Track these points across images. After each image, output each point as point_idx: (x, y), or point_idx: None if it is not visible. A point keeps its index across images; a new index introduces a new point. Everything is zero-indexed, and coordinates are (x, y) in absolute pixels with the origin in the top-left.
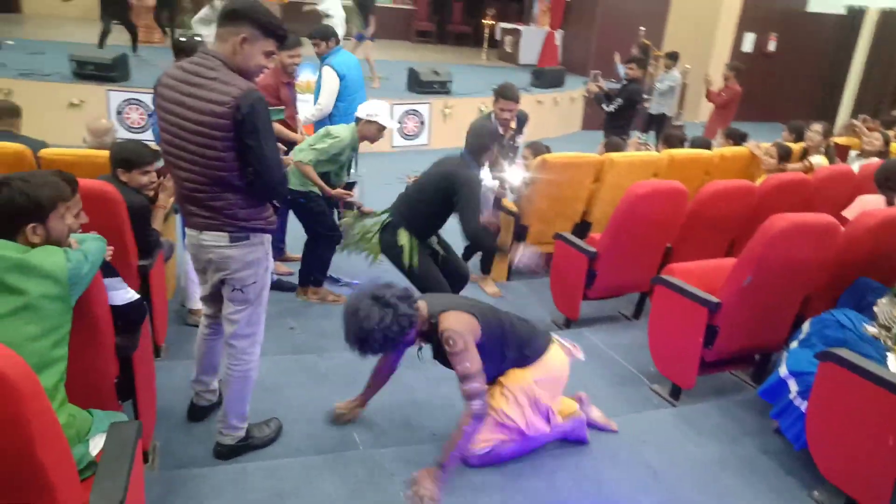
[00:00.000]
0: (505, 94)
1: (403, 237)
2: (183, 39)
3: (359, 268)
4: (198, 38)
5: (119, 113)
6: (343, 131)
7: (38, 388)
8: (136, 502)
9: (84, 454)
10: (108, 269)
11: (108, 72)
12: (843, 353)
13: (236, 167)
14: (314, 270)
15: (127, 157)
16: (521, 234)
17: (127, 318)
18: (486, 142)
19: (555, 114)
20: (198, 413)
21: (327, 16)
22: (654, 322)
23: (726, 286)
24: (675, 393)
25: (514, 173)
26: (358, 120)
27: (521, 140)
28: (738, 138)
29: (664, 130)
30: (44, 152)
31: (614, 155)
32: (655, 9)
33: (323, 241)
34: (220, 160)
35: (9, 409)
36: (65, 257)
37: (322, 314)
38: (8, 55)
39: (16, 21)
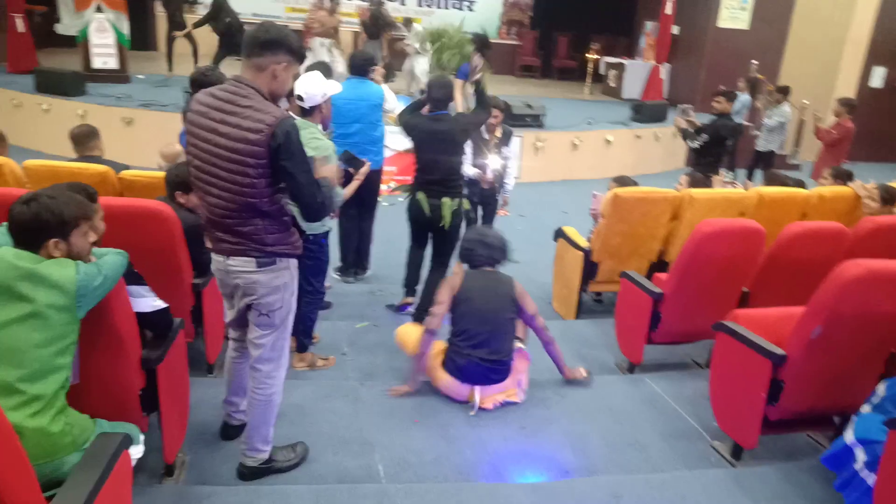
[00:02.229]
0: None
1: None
2: (207, 75)
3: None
4: (215, 70)
5: None
6: (320, 140)
7: None
8: None
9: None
10: (133, 277)
11: None
12: None
13: (267, 193)
14: (298, 333)
15: (186, 180)
16: (591, 271)
17: (154, 326)
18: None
19: (656, 149)
20: (229, 432)
21: (419, 53)
22: (716, 372)
23: (793, 338)
24: (737, 453)
25: (495, 160)
26: (315, 109)
27: (508, 152)
28: (844, 178)
29: (772, 168)
30: (124, 174)
31: (694, 191)
32: (771, 41)
33: (307, 299)
34: (252, 186)
35: None
36: (75, 269)
37: (377, 342)
38: (136, 88)
39: (150, 58)
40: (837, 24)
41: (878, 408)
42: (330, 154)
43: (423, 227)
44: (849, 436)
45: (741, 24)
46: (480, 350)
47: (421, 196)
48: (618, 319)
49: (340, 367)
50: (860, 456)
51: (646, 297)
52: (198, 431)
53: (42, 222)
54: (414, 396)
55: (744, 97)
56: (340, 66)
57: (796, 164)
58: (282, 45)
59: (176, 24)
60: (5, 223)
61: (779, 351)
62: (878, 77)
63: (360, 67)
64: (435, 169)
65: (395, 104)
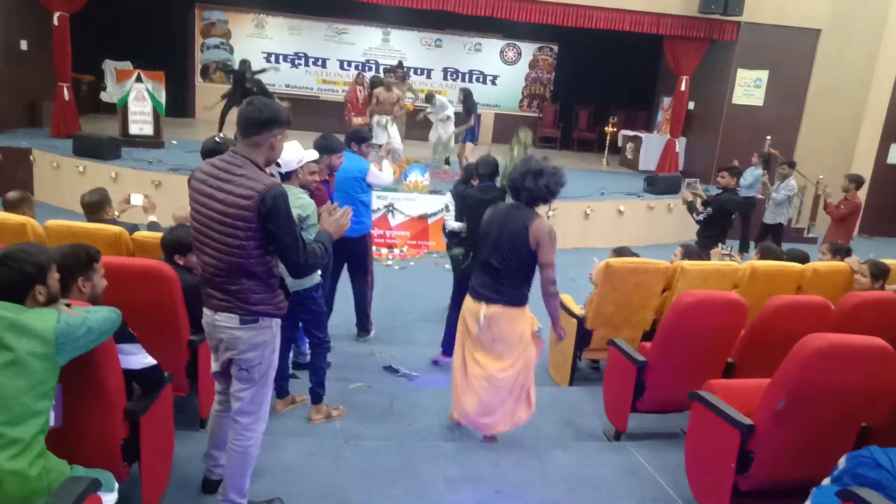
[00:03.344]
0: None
1: None
2: (219, 143)
3: (420, 362)
4: (225, 139)
5: None
6: (302, 199)
7: None
8: None
9: None
10: (125, 335)
11: None
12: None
13: (255, 255)
14: (313, 385)
15: (182, 242)
16: (585, 338)
17: (144, 382)
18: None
19: (669, 220)
20: (210, 486)
21: (448, 118)
22: (691, 441)
23: (760, 408)
24: None
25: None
26: (291, 175)
27: None
28: (843, 253)
29: (780, 241)
30: (136, 234)
31: (686, 263)
32: (786, 117)
33: (315, 351)
34: (241, 248)
35: None
36: (56, 319)
37: (369, 403)
38: (168, 153)
39: (187, 125)
40: (854, 101)
41: (836, 479)
42: (311, 213)
43: None
44: None
45: (756, 100)
46: (489, 268)
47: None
48: (605, 387)
49: (329, 426)
50: None
51: (630, 365)
52: (181, 485)
53: (25, 274)
54: (395, 457)
55: (757, 172)
56: (397, 142)
57: (813, 237)
58: (275, 121)
59: (237, 100)
60: None
61: (747, 421)
62: (895, 154)
63: (346, 141)
64: None
65: (384, 178)
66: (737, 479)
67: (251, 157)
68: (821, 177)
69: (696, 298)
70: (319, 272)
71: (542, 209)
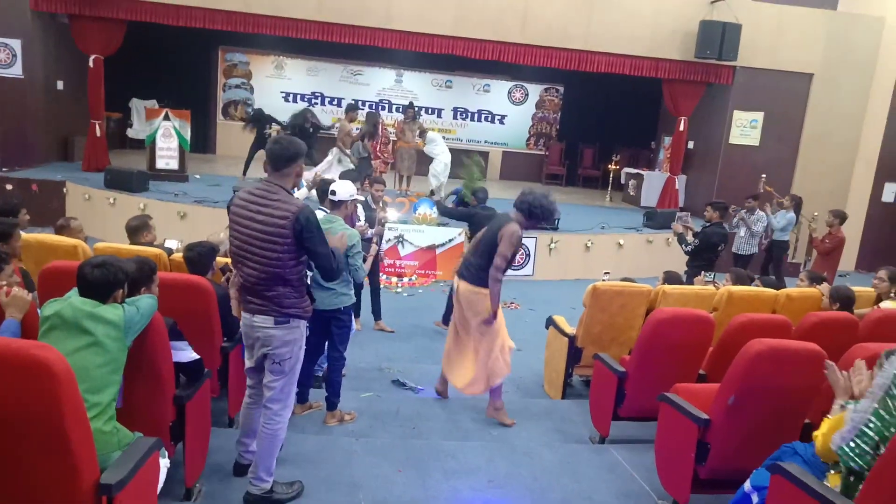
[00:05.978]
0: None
1: None
2: None
3: (425, 377)
4: None
5: None
6: (350, 230)
7: (71, 376)
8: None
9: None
10: (176, 334)
11: None
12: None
13: (290, 265)
14: (329, 394)
15: (206, 261)
16: (576, 356)
17: (190, 373)
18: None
19: (666, 253)
20: (240, 469)
21: (434, 156)
22: (660, 438)
23: (714, 405)
24: None
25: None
26: (341, 204)
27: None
28: (818, 281)
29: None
30: (173, 256)
31: (667, 287)
32: (782, 158)
33: (333, 365)
34: (279, 259)
35: (49, 390)
36: (123, 310)
37: (379, 410)
38: (193, 186)
39: (208, 160)
40: (848, 142)
41: (766, 465)
42: (356, 241)
43: None
44: (747, 485)
45: (752, 140)
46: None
47: None
48: (591, 396)
49: (342, 427)
50: (755, 499)
51: (612, 375)
52: (214, 469)
53: (117, 279)
54: (400, 453)
55: (789, 215)
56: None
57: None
58: (300, 155)
59: (262, 141)
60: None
61: (704, 416)
62: (889, 192)
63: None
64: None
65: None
66: (696, 469)
67: (282, 185)
68: (815, 214)
69: (668, 315)
70: (353, 293)
71: (543, 240)
